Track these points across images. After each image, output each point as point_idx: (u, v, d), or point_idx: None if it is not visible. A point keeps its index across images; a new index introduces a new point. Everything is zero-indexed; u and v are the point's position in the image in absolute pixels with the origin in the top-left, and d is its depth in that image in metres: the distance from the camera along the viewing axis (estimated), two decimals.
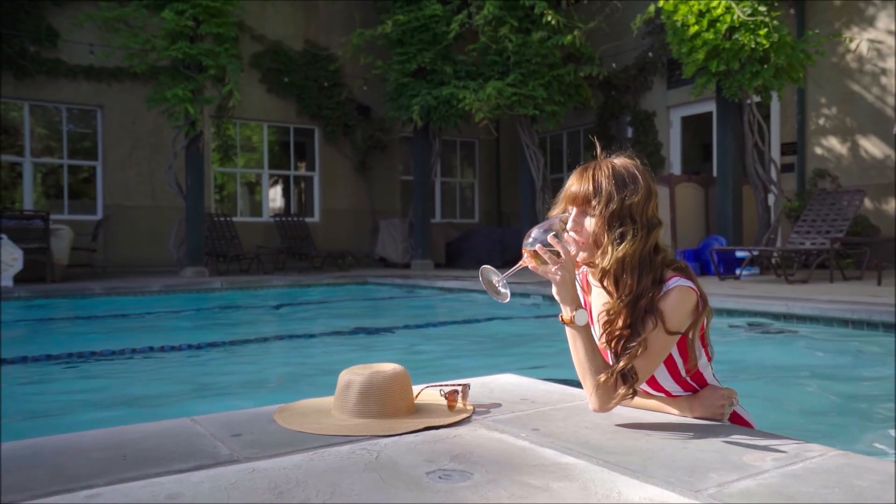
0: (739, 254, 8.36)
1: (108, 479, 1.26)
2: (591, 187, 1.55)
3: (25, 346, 4.95)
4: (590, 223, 1.56)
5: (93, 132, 11.80)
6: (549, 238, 1.52)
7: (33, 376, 3.96)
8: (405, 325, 6.02)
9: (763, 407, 2.96)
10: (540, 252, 1.52)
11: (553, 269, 1.52)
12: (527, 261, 1.55)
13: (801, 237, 8.34)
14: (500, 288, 1.55)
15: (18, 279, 8.40)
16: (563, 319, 1.55)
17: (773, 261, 8.49)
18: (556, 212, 1.63)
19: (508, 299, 1.56)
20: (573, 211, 1.59)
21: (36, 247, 8.80)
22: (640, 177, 1.56)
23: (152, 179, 11.77)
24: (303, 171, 14.23)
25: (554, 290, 1.55)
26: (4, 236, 8.41)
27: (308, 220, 13.11)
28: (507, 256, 11.60)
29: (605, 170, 1.56)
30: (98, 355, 4.42)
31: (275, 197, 14.93)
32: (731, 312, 5.43)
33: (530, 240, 1.54)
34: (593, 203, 1.54)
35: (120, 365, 4.27)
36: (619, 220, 1.53)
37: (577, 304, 1.54)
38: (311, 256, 11.87)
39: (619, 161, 1.60)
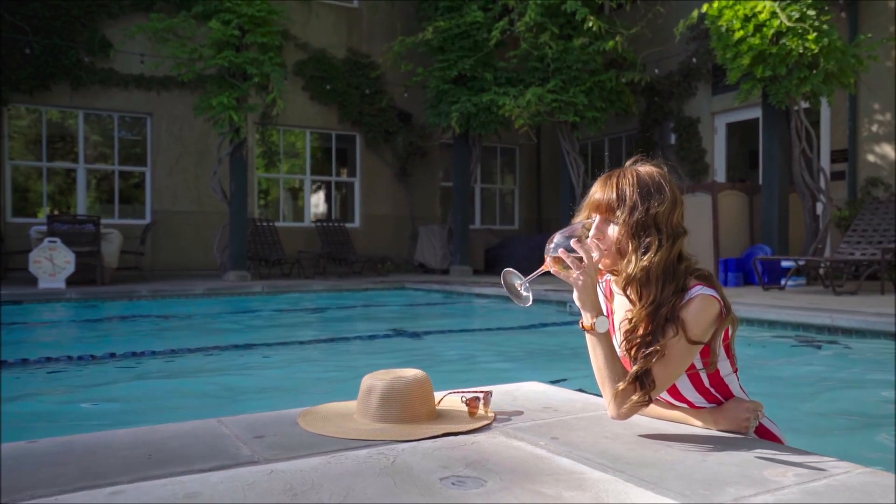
0: (785, 263, 8.14)
1: (132, 476, 1.30)
2: (614, 195, 1.54)
3: (71, 346, 5.13)
4: (613, 231, 1.55)
5: (143, 139, 12.19)
6: (572, 243, 1.52)
7: (85, 374, 4.11)
8: (440, 331, 6.04)
9: (799, 421, 2.88)
10: (563, 256, 1.52)
11: (575, 275, 1.51)
12: (549, 265, 1.55)
13: (851, 247, 8.08)
14: (522, 291, 1.55)
15: (70, 281, 8.72)
16: (583, 326, 1.55)
17: (821, 271, 8.24)
18: (579, 218, 1.62)
19: (531, 303, 1.56)
20: (596, 218, 1.59)
21: (87, 250, 9.11)
22: (665, 186, 1.55)
23: (198, 185, 12.08)
24: (344, 178, 14.42)
25: (575, 296, 1.55)
26: (58, 240, 8.74)
27: (349, 225, 13.27)
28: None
29: (630, 178, 1.55)
30: (138, 355, 4.55)
31: (317, 202, 15.16)
32: (772, 324, 5.29)
33: (552, 245, 1.54)
34: (617, 212, 1.54)
35: (159, 365, 4.40)
36: (644, 229, 1.52)
37: (598, 311, 1.53)
38: (351, 261, 12.00)
39: (645, 169, 1.58)
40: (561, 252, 1.52)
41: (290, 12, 11.66)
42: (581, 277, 1.51)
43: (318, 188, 14.93)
